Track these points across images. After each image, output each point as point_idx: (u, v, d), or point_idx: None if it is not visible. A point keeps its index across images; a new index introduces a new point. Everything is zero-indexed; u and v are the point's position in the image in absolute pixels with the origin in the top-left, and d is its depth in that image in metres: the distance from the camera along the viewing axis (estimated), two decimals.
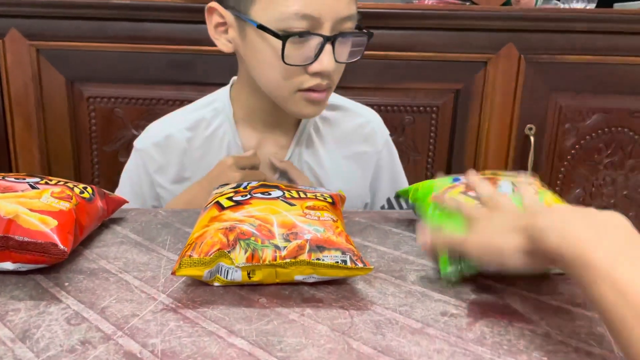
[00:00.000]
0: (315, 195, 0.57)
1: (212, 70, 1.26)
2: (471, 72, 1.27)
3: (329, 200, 0.57)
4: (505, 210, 0.48)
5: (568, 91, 1.29)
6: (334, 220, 0.52)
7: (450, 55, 1.25)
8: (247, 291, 0.48)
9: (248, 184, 0.58)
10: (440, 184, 0.62)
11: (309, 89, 0.72)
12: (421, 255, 0.57)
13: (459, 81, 1.28)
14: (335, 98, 0.88)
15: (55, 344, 0.39)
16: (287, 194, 0.55)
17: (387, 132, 0.91)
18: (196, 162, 0.83)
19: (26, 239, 0.45)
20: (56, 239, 0.46)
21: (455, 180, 0.62)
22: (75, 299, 0.45)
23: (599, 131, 1.31)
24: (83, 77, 1.29)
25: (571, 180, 1.34)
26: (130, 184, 0.86)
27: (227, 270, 0.47)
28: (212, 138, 0.83)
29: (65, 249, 0.46)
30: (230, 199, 0.54)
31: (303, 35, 0.67)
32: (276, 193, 0.55)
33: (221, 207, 0.52)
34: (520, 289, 0.49)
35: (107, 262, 0.52)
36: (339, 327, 0.42)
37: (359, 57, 0.75)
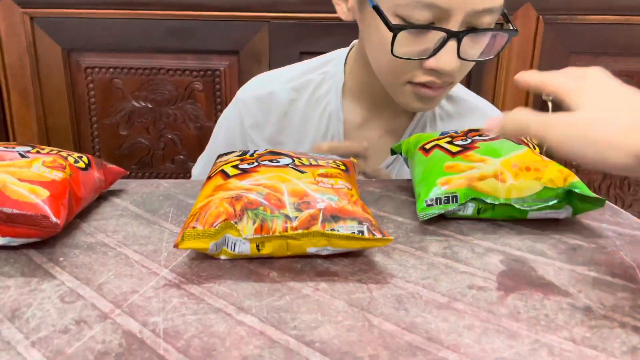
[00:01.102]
0: (328, 162, 0.53)
1: (214, 38, 1.21)
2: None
3: (342, 167, 0.53)
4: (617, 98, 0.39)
5: (588, 54, 1.23)
6: (348, 188, 0.48)
7: None
8: (256, 265, 0.44)
9: (255, 150, 0.54)
10: (428, 136, 0.62)
11: (421, 84, 0.64)
12: (443, 225, 0.53)
13: None
14: (457, 89, 0.80)
15: (47, 324, 0.35)
16: (297, 161, 0.51)
17: None
18: (293, 127, 0.78)
19: (15, 211, 0.42)
20: (48, 210, 0.42)
21: (443, 133, 0.61)
22: (71, 275, 0.42)
23: None
24: (80, 47, 1.25)
25: None
26: (224, 134, 0.82)
27: (235, 243, 0.43)
28: (315, 105, 0.77)
29: (58, 222, 0.43)
30: (236, 167, 0.50)
31: (421, 28, 0.58)
32: (285, 160, 0.51)
33: (226, 175, 0.48)
34: (553, 259, 0.46)
35: (106, 235, 0.49)
36: (357, 302, 0.39)
37: (492, 57, 0.65)
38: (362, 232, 0.43)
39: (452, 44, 0.59)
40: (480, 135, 0.58)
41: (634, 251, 0.47)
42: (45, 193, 0.43)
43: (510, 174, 0.53)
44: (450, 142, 0.58)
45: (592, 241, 0.49)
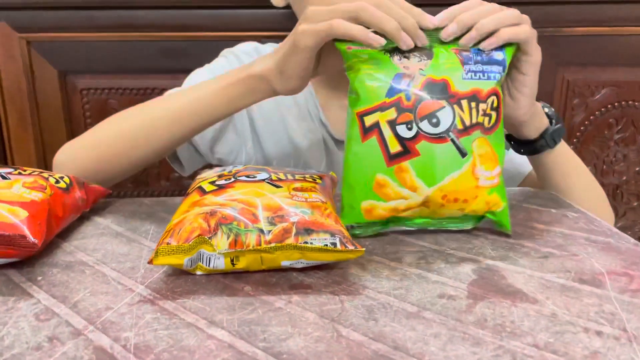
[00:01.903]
0: (304, 177, 0.54)
1: (206, 57, 1.22)
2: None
3: (319, 181, 0.54)
4: None
5: (576, 65, 1.24)
6: (322, 202, 0.48)
7: None
8: (231, 279, 0.45)
9: (234, 167, 0.55)
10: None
11: None
12: (419, 237, 0.53)
13: None
14: None
15: (20, 341, 0.36)
16: (273, 176, 0.52)
17: None
18: None
19: None
20: (26, 230, 0.44)
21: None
22: (47, 293, 0.42)
23: (609, 106, 1.27)
24: (75, 69, 1.27)
25: (581, 157, 1.29)
26: (202, 79, 0.78)
27: (209, 258, 0.44)
28: None
29: (36, 242, 0.44)
30: (212, 183, 0.51)
31: None
32: (262, 175, 0.52)
33: (203, 192, 0.49)
34: (524, 267, 0.46)
35: (85, 254, 0.50)
36: (328, 314, 0.39)
37: None
38: (334, 244, 0.44)
39: None
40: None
41: (605, 258, 0.48)
42: (24, 213, 0.45)
43: (436, 204, 0.53)
44: (392, 124, 0.52)
45: (564, 249, 0.50)
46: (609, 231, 0.54)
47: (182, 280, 0.44)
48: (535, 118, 0.65)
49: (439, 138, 0.51)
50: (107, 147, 0.66)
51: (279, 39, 0.93)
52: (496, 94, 0.53)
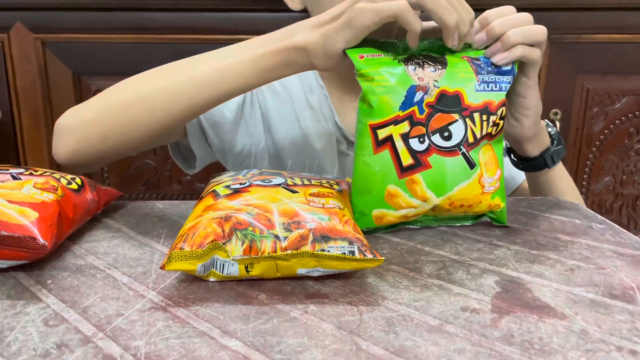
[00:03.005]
0: (321, 182, 0.52)
1: None
2: None
3: (336, 187, 0.52)
4: None
5: (596, 73, 1.22)
6: (340, 208, 0.47)
7: None
8: (245, 287, 0.43)
9: (248, 171, 0.54)
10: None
11: None
12: (438, 246, 0.52)
13: None
14: None
15: (28, 348, 0.35)
16: (289, 181, 0.50)
17: None
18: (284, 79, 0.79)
19: (3, 233, 0.42)
20: (36, 232, 0.42)
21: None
22: (57, 297, 0.41)
23: (629, 114, 1.24)
24: (90, 70, 1.27)
25: (600, 167, 1.27)
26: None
27: (223, 264, 0.43)
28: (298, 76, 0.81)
29: (46, 243, 0.43)
30: (227, 187, 0.49)
31: None
32: (277, 180, 0.50)
33: (217, 196, 0.48)
34: (550, 280, 0.44)
35: (96, 257, 0.48)
36: (346, 326, 0.38)
37: None
38: (352, 252, 0.42)
39: None
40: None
41: (635, 272, 0.46)
42: (35, 215, 0.43)
43: (443, 210, 0.55)
44: (405, 138, 0.51)
45: (591, 262, 0.48)
46: (637, 244, 0.52)
47: (194, 286, 0.43)
48: (539, 137, 0.66)
49: (450, 151, 0.52)
50: (121, 112, 0.61)
51: None
52: (505, 104, 0.55)
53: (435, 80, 0.51)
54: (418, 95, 0.51)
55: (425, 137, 0.51)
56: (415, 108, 0.51)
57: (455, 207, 0.55)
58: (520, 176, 0.84)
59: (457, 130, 0.51)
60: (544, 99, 1.22)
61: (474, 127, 0.52)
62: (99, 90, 1.27)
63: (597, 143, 1.26)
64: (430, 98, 0.51)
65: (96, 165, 0.68)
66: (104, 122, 0.61)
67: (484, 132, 0.53)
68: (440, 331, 0.37)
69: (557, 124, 1.21)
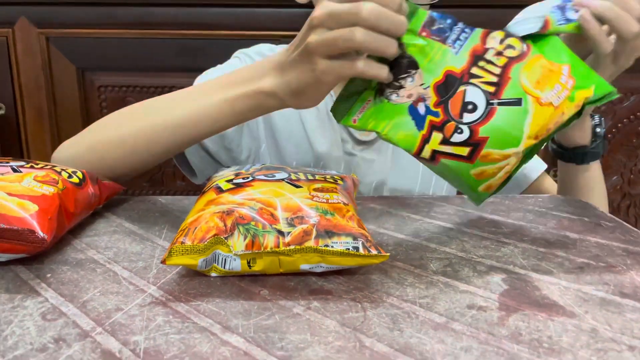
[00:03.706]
0: (325, 177, 0.51)
1: (224, 55, 1.21)
2: None
3: (340, 182, 0.51)
4: None
5: None
6: (344, 204, 0.46)
7: None
8: (247, 282, 0.42)
9: (251, 166, 0.53)
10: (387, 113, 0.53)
11: None
12: (444, 243, 0.51)
13: None
14: None
15: (25, 342, 0.34)
16: (292, 176, 0.50)
17: None
18: None
19: (2, 225, 0.41)
20: (35, 225, 0.42)
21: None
22: (56, 291, 0.40)
23: (638, 113, 1.23)
24: (94, 66, 1.26)
25: (608, 166, 1.26)
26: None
27: (225, 259, 0.42)
28: None
29: (45, 237, 0.42)
30: (230, 181, 0.48)
31: None
32: (281, 174, 0.50)
33: (219, 190, 0.47)
34: (559, 278, 0.43)
35: (97, 252, 0.48)
36: (349, 322, 0.37)
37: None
38: (357, 248, 0.41)
39: None
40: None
41: None
42: (34, 207, 0.43)
43: (537, 140, 0.50)
44: (446, 142, 0.50)
45: (601, 260, 0.47)
46: None
47: (196, 281, 0.42)
48: (579, 131, 0.66)
49: (487, 115, 0.49)
50: (106, 152, 0.63)
51: None
52: (486, 34, 0.50)
53: (422, 84, 0.49)
54: (421, 108, 0.50)
55: (459, 125, 0.49)
56: (429, 117, 0.49)
57: (547, 131, 0.50)
58: (532, 174, 0.83)
59: (475, 96, 0.49)
60: None
61: (483, 79, 0.49)
62: (102, 86, 1.27)
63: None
64: (432, 99, 0.49)
65: None
66: (91, 160, 0.63)
67: (496, 72, 0.49)
68: (446, 329, 0.36)
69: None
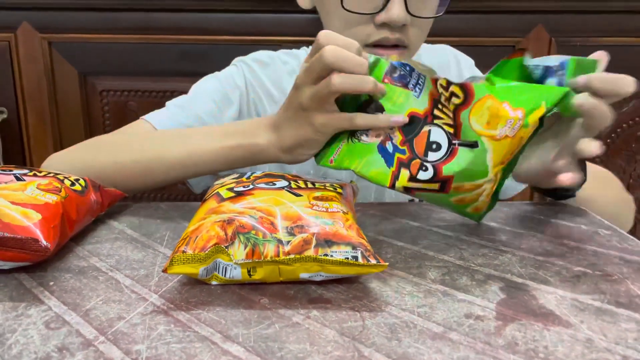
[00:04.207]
0: (325, 186, 0.52)
1: (226, 61, 1.22)
2: (499, 57, 1.20)
3: (339, 190, 0.52)
4: None
5: None
6: (344, 212, 0.47)
7: (476, 39, 1.19)
8: (247, 291, 0.43)
9: (252, 173, 0.54)
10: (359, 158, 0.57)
11: (376, 44, 0.66)
12: (442, 251, 0.51)
13: (487, 67, 1.21)
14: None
15: (29, 351, 0.35)
16: (293, 184, 0.50)
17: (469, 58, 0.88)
18: (286, 88, 0.80)
19: (5, 234, 0.42)
20: (38, 233, 0.42)
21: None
22: (59, 300, 0.41)
23: (637, 118, 1.23)
24: (96, 71, 1.27)
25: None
26: (213, 88, 0.80)
27: (225, 268, 0.42)
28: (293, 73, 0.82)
29: (49, 245, 0.42)
30: (230, 189, 0.49)
31: None
32: (281, 183, 0.50)
33: (220, 199, 0.47)
34: (555, 287, 0.44)
35: (99, 259, 0.48)
36: (348, 332, 0.37)
37: (441, 14, 0.68)
38: (356, 257, 0.42)
39: None
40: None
41: None
42: (37, 216, 0.43)
43: (503, 166, 0.53)
44: (414, 179, 0.52)
45: (597, 269, 0.47)
46: None
47: (197, 290, 0.43)
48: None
49: (450, 155, 0.52)
50: (98, 174, 0.62)
51: (299, 44, 0.92)
52: (435, 81, 0.52)
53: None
54: (389, 146, 0.53)
55: (424, 163, 0.52)
56: (397, 154, 0.53)
57: (512, 155, 0.53)
58: (520, 185, 0.83)
59: (438, 136, 0.52)
60: None
61: (444, 120, 0.52)
62: (104, 90, 1.27)
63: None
64: (398, 138, 0.53)
65: None
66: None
67: (451, 115, 0.51)
68: (444, 338, 0.36)
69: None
